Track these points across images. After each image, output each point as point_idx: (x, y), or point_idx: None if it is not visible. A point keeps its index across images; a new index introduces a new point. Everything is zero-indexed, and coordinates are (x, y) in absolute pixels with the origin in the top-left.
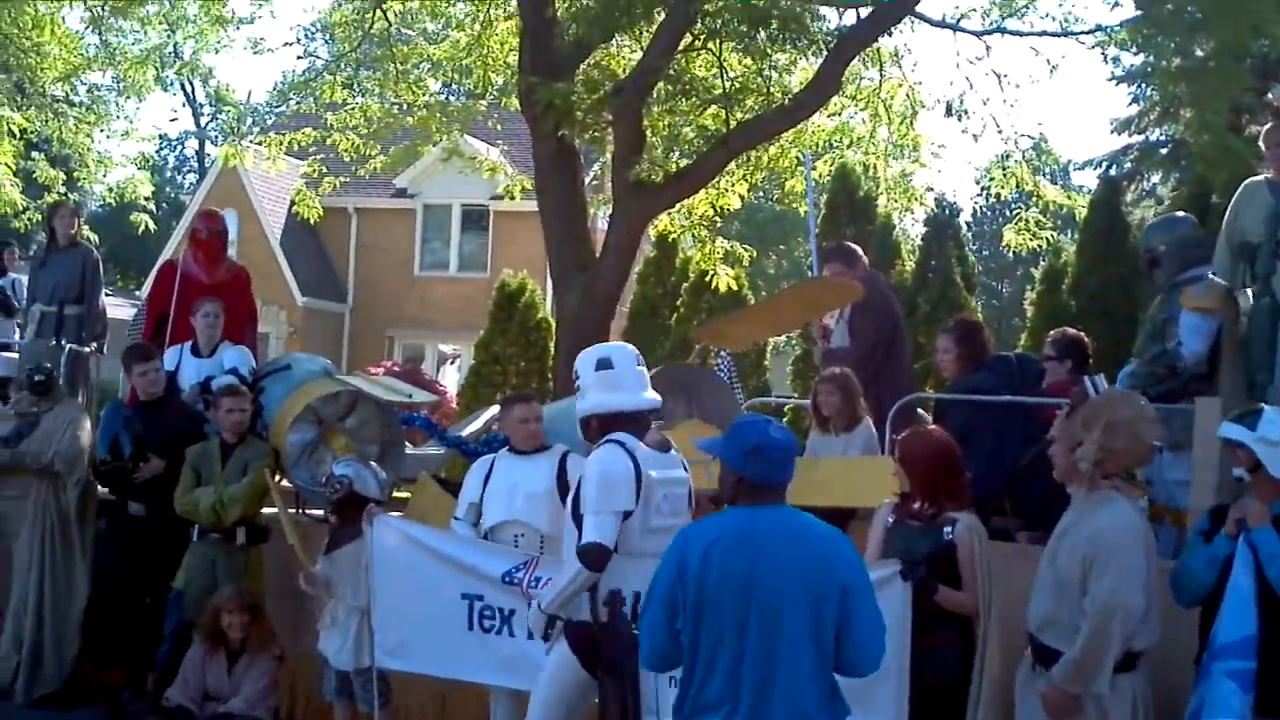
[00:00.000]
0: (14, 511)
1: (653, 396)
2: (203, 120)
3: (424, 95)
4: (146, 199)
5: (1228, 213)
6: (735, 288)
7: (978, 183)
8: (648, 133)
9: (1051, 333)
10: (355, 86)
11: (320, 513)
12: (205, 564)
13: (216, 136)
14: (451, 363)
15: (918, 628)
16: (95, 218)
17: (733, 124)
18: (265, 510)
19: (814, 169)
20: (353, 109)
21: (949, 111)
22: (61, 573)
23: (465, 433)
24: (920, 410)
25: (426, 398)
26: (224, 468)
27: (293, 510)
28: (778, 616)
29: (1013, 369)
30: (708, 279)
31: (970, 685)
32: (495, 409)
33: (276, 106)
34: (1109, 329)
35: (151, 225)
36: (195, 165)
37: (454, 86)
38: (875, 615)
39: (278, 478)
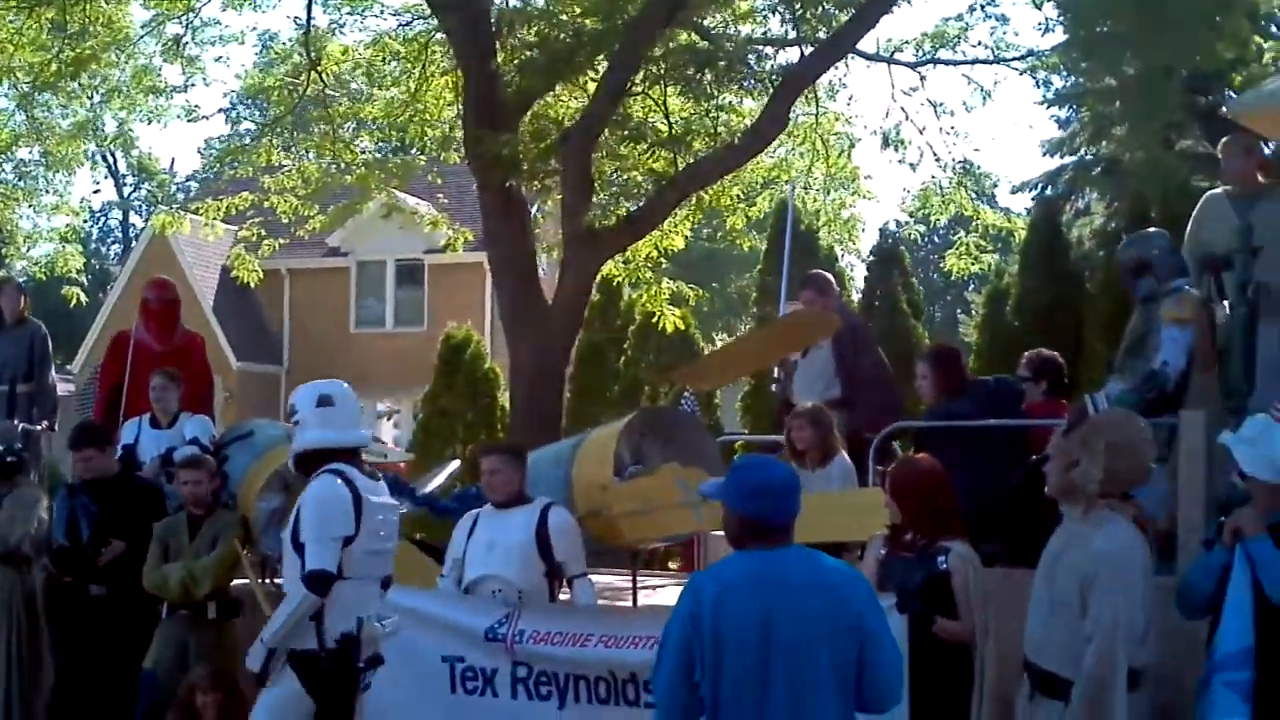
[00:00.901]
0: None
1: (366, 433)
2: (126, 190)
3: (361, 154)
4: (78, 271)
5: (1190, 225)
6: (683, 327)
7: (912, 215)
8: (596, 179)
9: (1026, 354)
10: (292, 149)
11: None
12: (176, 641)
13: (141, 206)
14: (389, 419)
15: (915, 659)
16: None
17: (681, 166)
18: (236, 582)
19: (796, 195)
20: (289, 171)
21: (886, 143)
22: (28, 659)
23: (427, 489)
24: (894, 442)
25: (401, 456)
26: (193, 541)
27: (263, 580)
28: (798, 660)
29: (990, 392)
30: (654, 320)
31: (970, 716)
32: (456, 464)
33: (210, 172)
34: (1053, 347)
35: (83, 298)
36: (120, 236)
37: (387, 144)
38: (894, 651)
39: (247, 548)
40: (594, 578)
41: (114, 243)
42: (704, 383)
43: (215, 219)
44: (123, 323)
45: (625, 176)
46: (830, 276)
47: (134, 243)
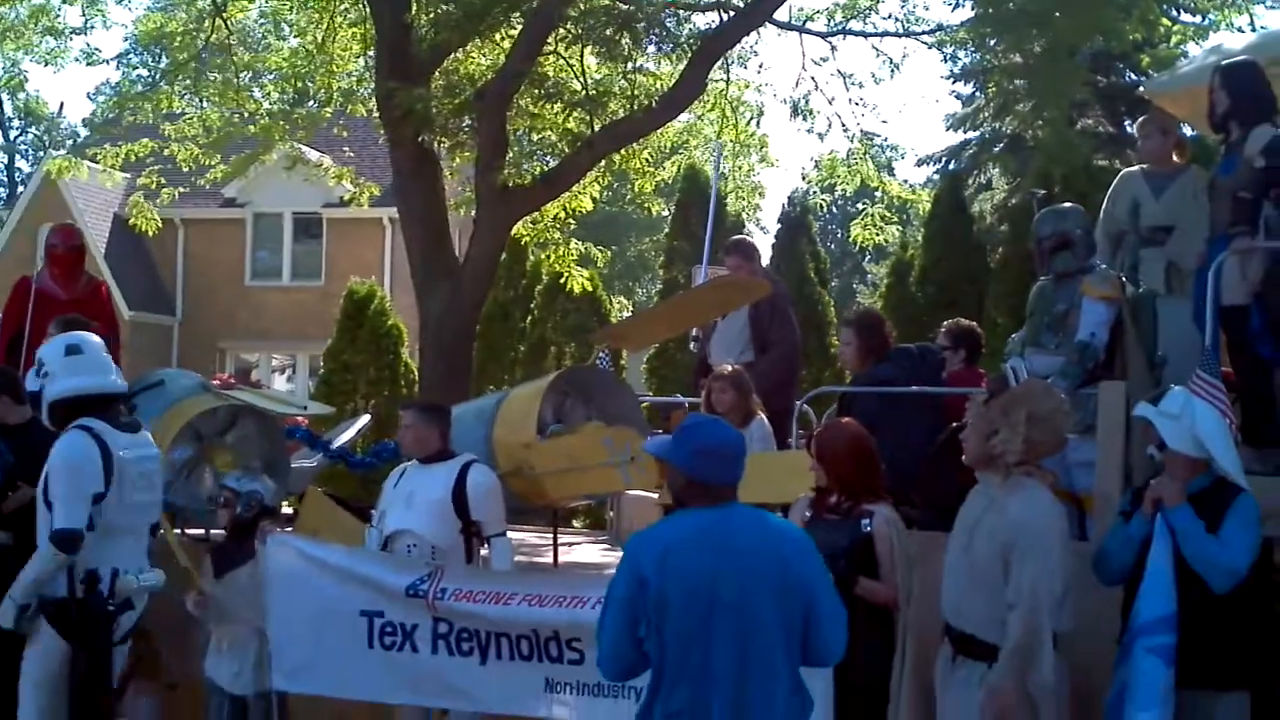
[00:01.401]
0: None
1: (121, 382)
2: (12, 134)
3: (265, 104)
4: None
5: (1105, 202)
6: (590, 289)
7: (819, 184)
8: (510, 137)
9: (945, 324)
10: (193, 96)
11: (200, 532)
12: None
13: (28, 151)
14: (284, 373)
15: None
16: None
17: (597, 127)
18: None
19: (722, 158)
20: (190, 119)
21: (795, 111)
22: None
23: (337, 444)
24: (806, 407)
25: (321, 409)
26: None
27: (178, 531)
28: (745, 617)
29: (915, 360)
30: (562, 281)
31: (891, 675)
32: (366, 418)
33: (106, 116)
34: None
35: None
36: (4, 180)
37: (290, 94)
38: (838, 606)
39: None
40: (511, 534)
41: None
42: (629, 344)
43: (114, 165)
44: (11, 269)
45: (539, 136)
46: (754, 243)
47: (20, 188)
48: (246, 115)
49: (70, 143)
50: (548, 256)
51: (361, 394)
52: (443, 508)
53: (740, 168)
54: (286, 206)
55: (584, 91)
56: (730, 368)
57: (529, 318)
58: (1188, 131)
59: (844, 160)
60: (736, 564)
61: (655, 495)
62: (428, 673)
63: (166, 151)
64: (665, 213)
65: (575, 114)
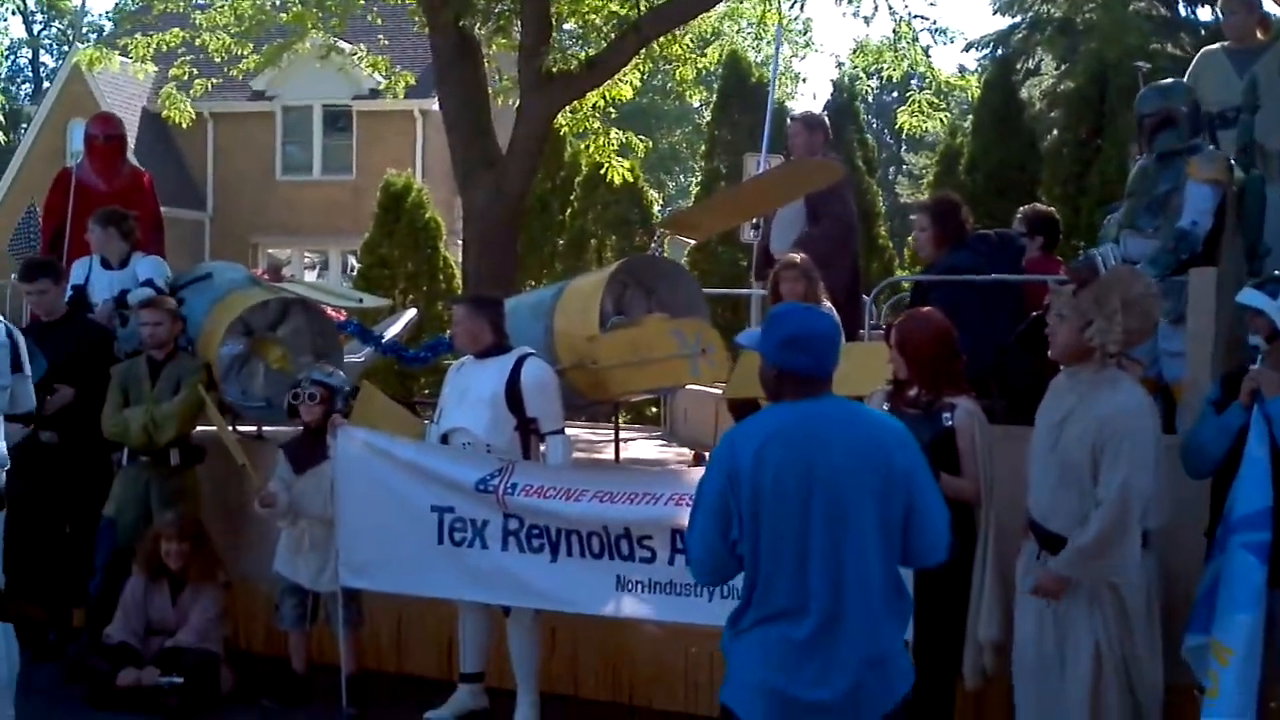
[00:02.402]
0: None
1: None
2: (36, 28)
3: None
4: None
5: (1187, 81)
6: (630, 179)
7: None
8: (553, 21)
9: (1021, 209)
10: None
11: (251, 429)
12: (137, 489)
13: (51, 45)
14: (314, 269)
15: None
16: None
17: (644, 9)
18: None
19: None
20: (222, 7)
21: None
22: None
23: (385, 338)
24: (865, 296)
25: (377, 302)
26: (154, 386)
27: (230, 427)
28: (843, 513)
29: (993, 247)
30: (602, 171)
31: (973, 572)
32: (412, 312)
33: (138, 5)
34: (1007, 208)
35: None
36: (30, 75)
37: None
38: (939, 502)
39: (212, 394)
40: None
41: (24, 82)
42: (697, 232)
43: (146, 57)
44: (41, 164)
45: (584, 19)
46: (821, 116)
47: (45, 83)
48: (279, 2)
49: (94, 36)
50: (586, 147)
51: (400, 288)
52: (496, 404)
53: (786, 54)
54: (316, 99)
55: None
56: (799, 256)
57: (568, 210)
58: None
59: (890, 44)
60: (834, 458)
61: (718, 390)
62: (498, 569)
63: (198, 41)
64: (697, 102)
65: None
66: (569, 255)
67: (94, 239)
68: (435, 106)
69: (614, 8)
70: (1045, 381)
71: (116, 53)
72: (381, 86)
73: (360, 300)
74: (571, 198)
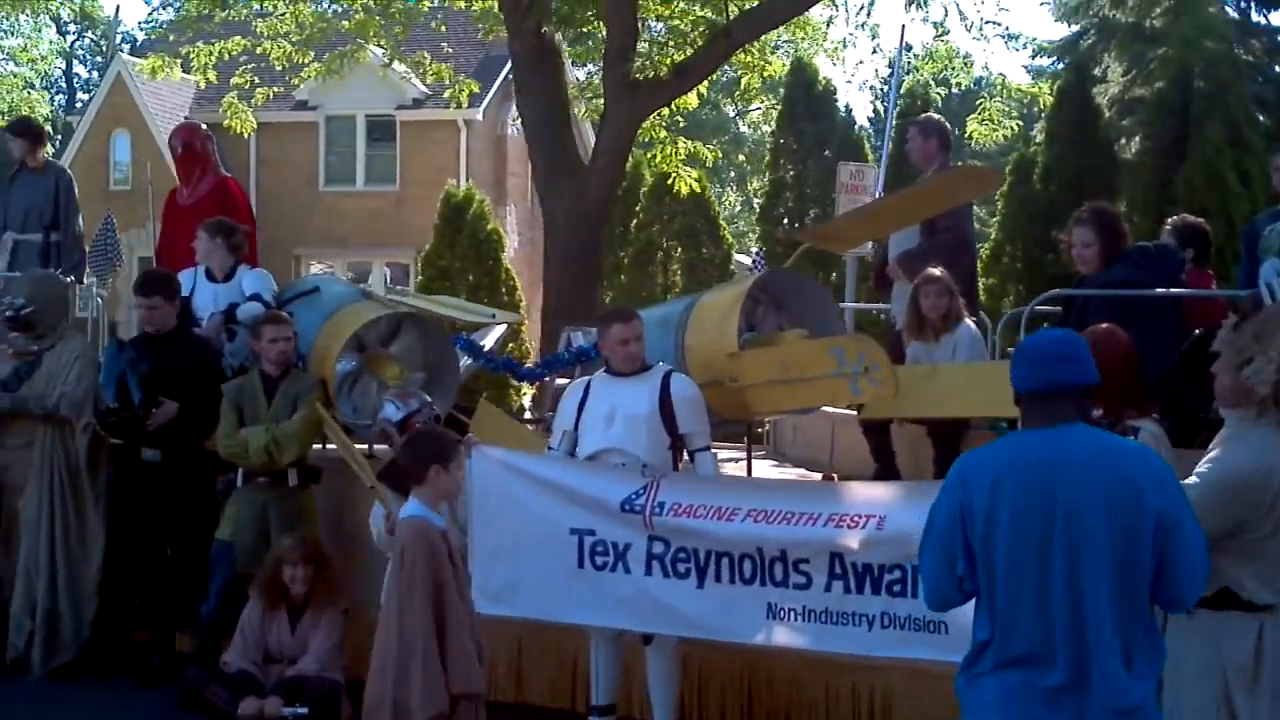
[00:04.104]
0: (18, 462)
1: None
2: (69, 39)
3: None
4: (45, 119)
5: None
6: (698, 190)
7: (935, 77)
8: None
9: (1170, 220)
10: None
11: (363, 447)
12: (255, 511)
13: (84, 56)
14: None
15: None
16: None
17: (733, 13)
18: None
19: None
20: (284, 15)
21: (910, 1)
22: (74, 528)
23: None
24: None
25: (510, 318)
26: (270, 404)
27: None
28: (1083, 555)
29: (1153, 260)
30: (669, 182)
31: None
32: (503, 327)
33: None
34: None
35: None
36: (64, 85)
37: None
38: (1198, 540)
39: (330, 411)
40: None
41: (58, 93)
42: (837, 245)
43: (208, 64)
44: (85, 175)
45: (671, 25)
46: (939, 120)
47: (79, 93)
48: (341, 10)
49: (127, 47)
50: (652, 156)
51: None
52: (652, 422)
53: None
54: (359, 109)
55: None
56: (940, 271)
57: (633, 220)
58: None
59: (959, 52)
60: (1077, 495)
61: (854, 412)
62: (641, 595)
63: (259, 50)
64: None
65: (711, 1)
66: (635, 267)
67: (200, 248)
68: (479, 116)
69: (703, 13)
70: (1211, 404)
71: (178, 61)
72: (446, 94)
73: (493, 315)
74: (636, 208)
